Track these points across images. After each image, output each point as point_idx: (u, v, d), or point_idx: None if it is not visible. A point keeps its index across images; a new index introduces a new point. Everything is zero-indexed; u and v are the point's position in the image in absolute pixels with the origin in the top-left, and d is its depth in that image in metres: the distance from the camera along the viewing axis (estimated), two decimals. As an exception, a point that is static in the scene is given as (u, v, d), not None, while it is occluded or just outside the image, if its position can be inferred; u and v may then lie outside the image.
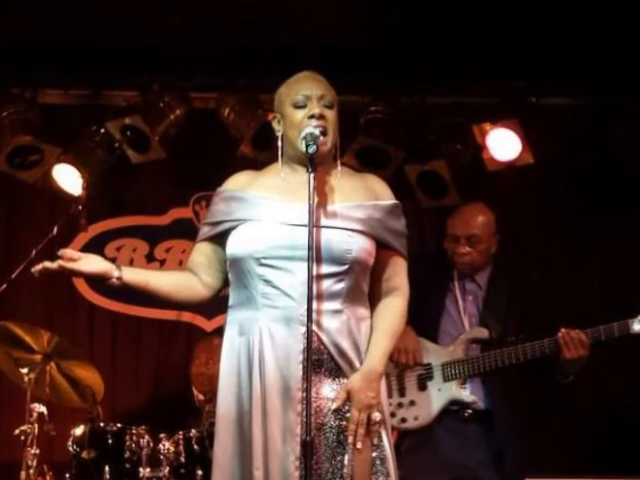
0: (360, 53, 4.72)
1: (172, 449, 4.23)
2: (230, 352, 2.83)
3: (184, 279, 2.97)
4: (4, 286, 4.40)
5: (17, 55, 4.85)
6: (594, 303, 5.20)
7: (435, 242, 4.59)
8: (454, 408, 3.92)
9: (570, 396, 4.57)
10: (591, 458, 4.92)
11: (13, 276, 4.40)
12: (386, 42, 4.71)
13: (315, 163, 2.76)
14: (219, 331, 3.10)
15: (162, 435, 4.27)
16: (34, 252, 4.38)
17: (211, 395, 4.44)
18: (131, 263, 5.42)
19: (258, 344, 2.76)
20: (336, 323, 2.78)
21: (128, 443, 4.22)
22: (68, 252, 2.84)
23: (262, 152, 4.91)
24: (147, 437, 4.24)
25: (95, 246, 5.29)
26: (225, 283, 2.96)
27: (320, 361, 2.76)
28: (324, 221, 2.80)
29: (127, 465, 4.20)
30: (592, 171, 5.20)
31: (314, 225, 2.72)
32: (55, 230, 4.58)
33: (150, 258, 5.53)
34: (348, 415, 2.74)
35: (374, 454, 2.75)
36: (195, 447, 4.24)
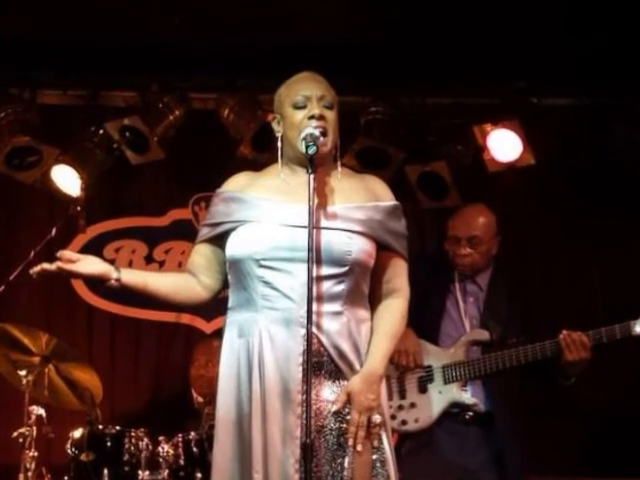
0: (360, 53, 4.71)
1: (171, 452, 4.22)
2: (230, 354, 2.83)
3: (183, 281, 2.96)
4: (2, 287, 4.40)
5: (16, 55, 4.84)
6: (596, 304, 5.18)
7: (436, 243, 4.58)
8: (455, 410, 3.91)
9: (571, 398, 4.55)
10: (592, 460, 4.91)
11: (11, 277, 4.39)
12: (386, 42, 4.70)
13: (315, 164, 2.75)
14: (218, 333, 3.09)
15: (161, 438, 4.27)
16: (32, 253, 4.37)
17: (210, 397, 4.42)
18: (130, 264, 5.41)
19: (258, 346, 2.76)
20: (336, 325, 2.77)
21: (127, 446, 4.22)
22: (66, 253, 2.83)
23: (262, 153, 4.90)
24: (146, 440, 4.24)
25: (94, 247, 5.28)
26: (224, 285, 2.95)
27: (320, 363, 2.75)
28: (324, 222, 2.79)
29: (126, 468, 4.21)
30: (593, 172, 5.18)
31: (314, 226, 2.71)
32: (54, 231, 4.57)
33: (149, 259, 5.52)
34: (348, 417, 2.73)
35: (374, 457, 2.74)
36: (194, 450, 4.24)
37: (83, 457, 4.21)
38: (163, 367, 5.41)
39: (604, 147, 5.13)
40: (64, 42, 4.76)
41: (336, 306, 2.78)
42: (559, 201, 5.31)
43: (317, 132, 2.81)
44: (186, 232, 5.27)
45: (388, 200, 2.92)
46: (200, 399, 4.80)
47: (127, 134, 5.09)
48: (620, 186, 5.13)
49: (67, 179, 5.09)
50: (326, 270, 2.76)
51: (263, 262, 2.78)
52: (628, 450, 4.90)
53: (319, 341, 2.74)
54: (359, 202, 2.86)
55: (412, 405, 3.91)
